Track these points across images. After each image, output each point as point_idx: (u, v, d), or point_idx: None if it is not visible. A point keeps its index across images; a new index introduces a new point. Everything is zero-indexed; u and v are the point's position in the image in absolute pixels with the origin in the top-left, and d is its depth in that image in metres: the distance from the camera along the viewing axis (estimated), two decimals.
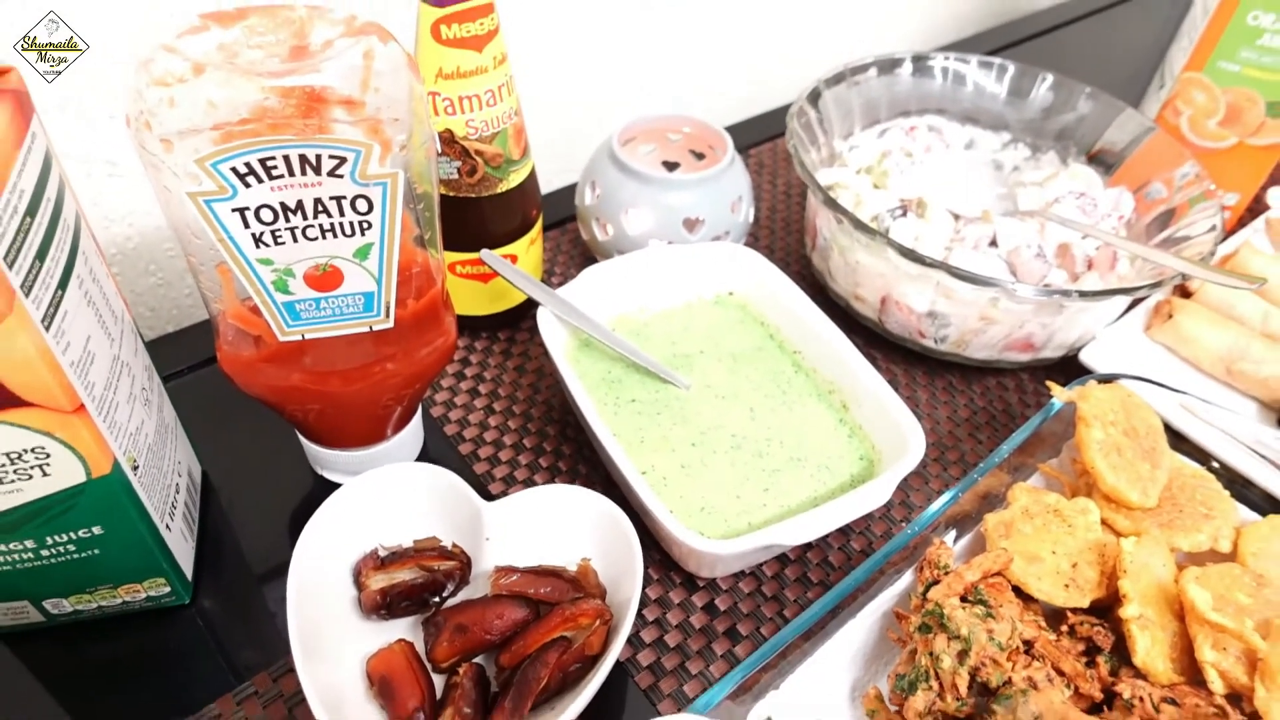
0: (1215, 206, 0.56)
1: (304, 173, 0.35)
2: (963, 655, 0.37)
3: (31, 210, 0.32)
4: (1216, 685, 0.38)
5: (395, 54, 0.36)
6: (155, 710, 0.40)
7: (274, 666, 0.41)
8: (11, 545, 0.37)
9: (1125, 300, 0.56)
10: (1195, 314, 0.57)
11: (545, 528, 0.43)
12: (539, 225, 0.56)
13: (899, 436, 0.46)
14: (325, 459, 0.48)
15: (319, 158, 0.35)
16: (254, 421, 0.50)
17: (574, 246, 0.66)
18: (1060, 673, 0.38)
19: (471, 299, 0.56)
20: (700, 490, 0.46)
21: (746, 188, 0.59)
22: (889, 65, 0.65)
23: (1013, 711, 0.35)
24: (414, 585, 0.41)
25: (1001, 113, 0.67)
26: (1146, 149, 0.62)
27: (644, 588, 0.45)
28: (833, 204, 0.53)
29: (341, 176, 0.36)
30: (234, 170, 0.35)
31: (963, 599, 0.39)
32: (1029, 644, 0.39)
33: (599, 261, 0.57)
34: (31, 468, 0.34)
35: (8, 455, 0.33)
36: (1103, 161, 0.64)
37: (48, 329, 0.31)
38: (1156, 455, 0.47)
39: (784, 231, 0.68)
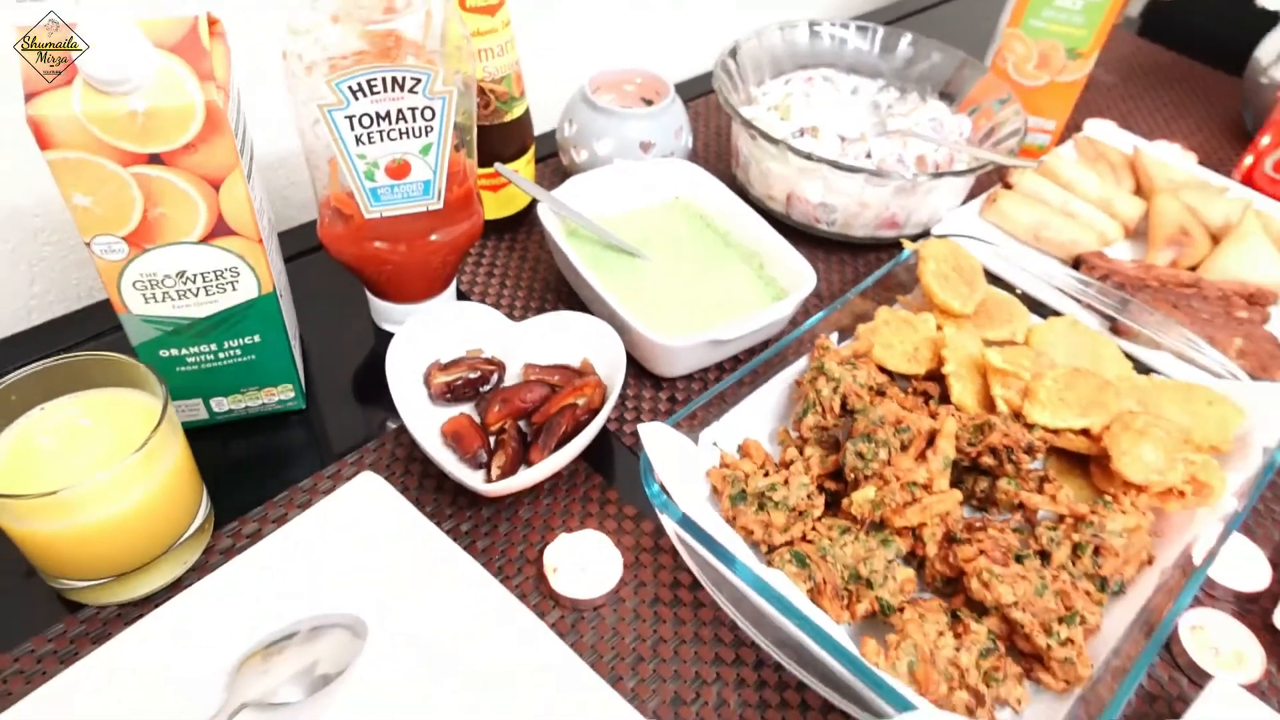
0: (1021, 121, 0.77)
1: (393, 90, 0.54)
2: (835, 389, 0.57)
3: (236, 105, 0.50)
4: (1002, 408, 0.58)
5: (446, 11, 0.55)
6: (306, 466, 0.58)
7: (370, 442, 0.60)
8: (202, 347, 0.55)
9: (961, 186, 0.77)
10: (1012, 199, 0.78)
11: (555, 340, 0.62)
12: (533, 150, 0.75)
13: (797, 276, 0.66)
14: (388, 312, 0.67)
15: (404, 79, 0.54)
16: (332, 298, 0.68)
17: (555, 174, 0.85)
18: (903, 408, 0.58)
19: (487, 205, 0.75)
20: (660, 321, 0.65)
21: (685, 121, 0.79)
22: (789, 27, 0.86)
23: (865, 415, 0.55)
24: (468, 380, 0.60)
25: (876, 64, 0.88)
26: (981, 86, 0.83)
27: (623, 389, 0.65)
28: (748, 124, 0.73)
29: (417, 92, 0.55)
30: (349, 88, 0.53)
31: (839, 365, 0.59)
32: (881, 390, 0.59)
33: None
34: (227, 283, 0.52)
35: (215, 271, 0.51)
36: (950, 97, 0.85)
37: (249, 181, 0.50)
38: (974, 282, 0.67)
39: (715, 159, 0.88)
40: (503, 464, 0.56)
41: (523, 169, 0.74)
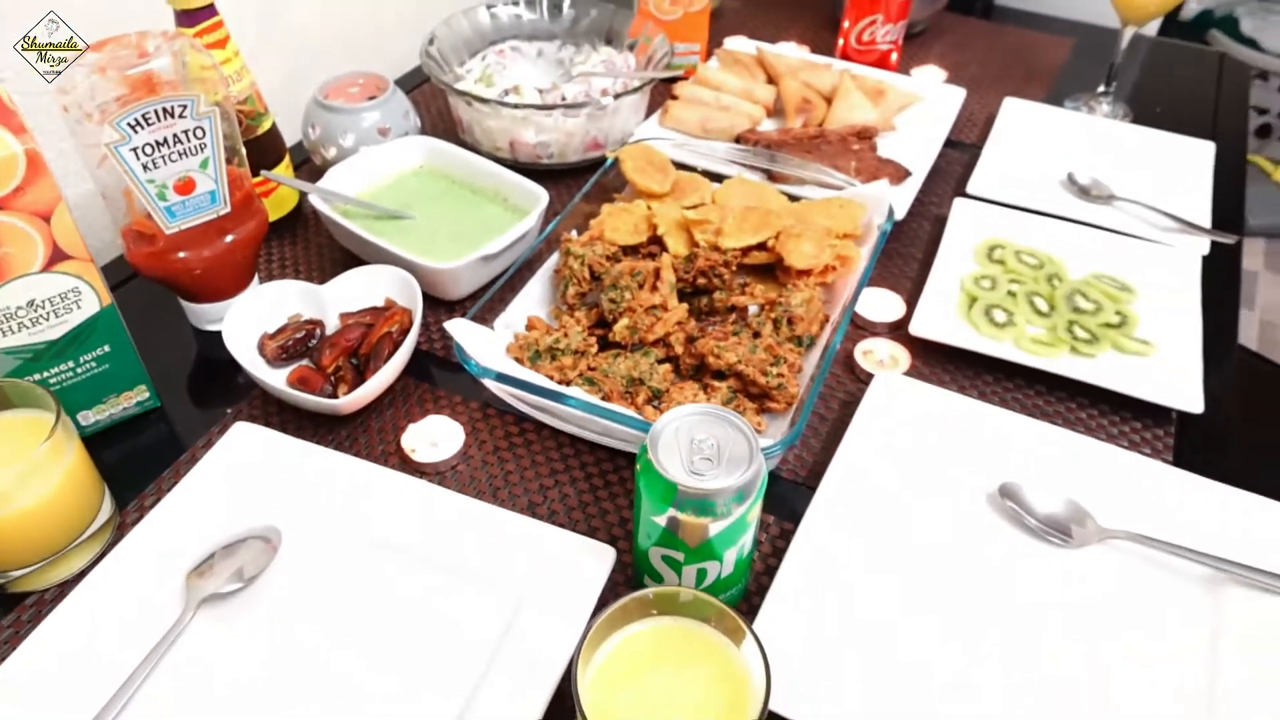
0: (667, 46, 0.99)
1: (165, 119, 0.66)
2: (582, 262, 0.75)
3: None
4: (706, 246, 0.79)
5: (187, 49, 0.67)
6: (178, 447, 0.68)
7: (226, 417, 0.71)
8: (61, 366, 0.64)
9: (639, 103, 0.97)
10: (679, 105, 1.00)
11: (358, 291, 0.76)
12: (288, 158, 0.88)
13: (534, 197, 0.84)
14: (205, 313, 0.78)
15: (173, 107, 0.65)
16: (148, 315, 0.78)
17: (312, 174, 0.97)
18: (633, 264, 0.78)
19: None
20: (434, 254, 0.80)
21: (409, 106, 0.94)
22: (470, 13, 1.03)
23: (608, 273, 0.74)
24: (296, 339, 0.73)
25: (550, 29, 1.07)
26: (634, 26, 1.05)
27: (424, 316, 0.80)
28: (463, 94, 0.90)
29: (186, 117, 0.66)
30: (128, 124, 0.64)
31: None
32: (616, 257, 0.78)
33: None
34: (71, 303, 0.62)
35: (60, 294, 0.61)
36: (613, 40, 1.06)
37: (71, 212, 0.60)
38: (665, 170, 0.88)
39: (444, 133, 1.03)
40: (345, 391, 0.69)
41: (284, 170, 0.87)
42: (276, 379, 0.70)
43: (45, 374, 0.63)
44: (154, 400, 0.71)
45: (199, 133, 0.68)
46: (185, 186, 0.70)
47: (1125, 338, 0.78)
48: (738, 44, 1.16)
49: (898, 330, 0.80)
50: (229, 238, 0.74)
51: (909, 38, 1.25)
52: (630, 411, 0.64)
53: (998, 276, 0.84)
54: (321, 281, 0.78)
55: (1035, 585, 0.60)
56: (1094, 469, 0.66)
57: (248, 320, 0.73)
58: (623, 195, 0.89)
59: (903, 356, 0.77)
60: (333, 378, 0.71)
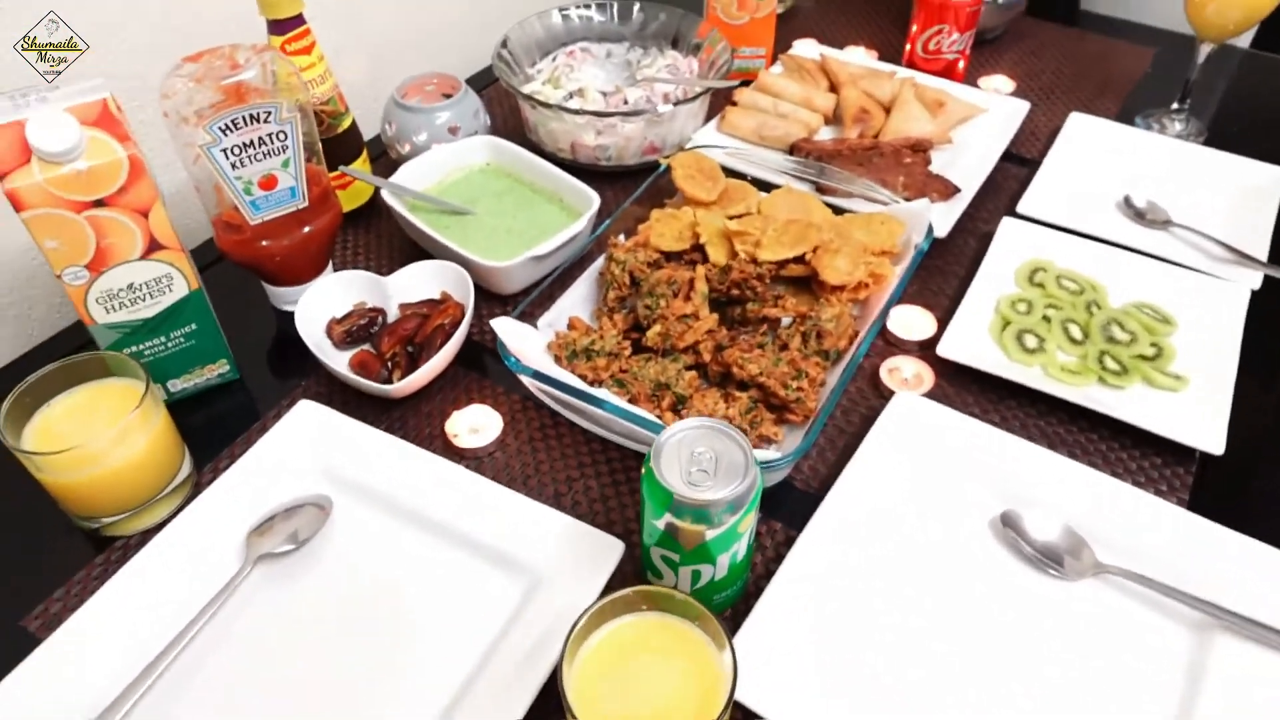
0: (728, 52, 1.02)
1: (251, 123, 0.73)
2: (624, 268, 0.80)
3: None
4: (743, 257, 0.83)
5: (275, 59, 0.74)
6: (251, 416, 0.77)
7: (294, 391, 0.79)
8: (154, 341, 0.72)
9: (698, 109, 1.01)
10: (737, 112, 1.03)
11: (418, 284, 0.83)
12: (365, 153, 0.95)
13: (588, 199, 0.88)
14: (284, 295, 0.86)
15: (259, 114, 0.73)
16: (235, 296, 0.86)
17: (387, 168, 1.04)
18: (672, 272, 0.82)
19: (340, 201, 0.94)
20: (493, 256, 0.86)
21: (480, 105, 1.00)
22: (544, 15, 1.08)
23: (646, 280, 0.78)
24: (360, 325, 0.80)
25: (620, 30, 1.11)
26: (701, 29, 1.08)
27: (476, 309, 0.86)
28: (528, 98, 0.95)
29: (270, 122, 0.74)
30: (219, 128, 0.72)
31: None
32: (658, 264, 0.83)
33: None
34: (164, 287, 0.70)
35: (154, 279, 0.69)
36: (678, 43, 1.09)
37: (165, 209, 0.68)
38: (715, 178, 0.91)
39: (512, 131, 1.09)
40: (399, 376, 0.76)
41: (360, 168, 0.94)
42: (339, 361, 0.78)
43: (140, 346, 0.72)
44: (234, 373, 0.79)
45: (281, 135, 0.75)
46: (268, 183, 0.77)
47: (1158, 371, 0.78)
48: (805, 48, 1.18)
49: (927, 349, 0.82)
50: (306, 229, 0.82)
51: (981, 44, 1.24)
52: (651, 416, 0.69)
53: (1035, 300, 0.85)
54: (389, 271, 0.85)
55: (1022, 613, 0.63)
56: (1102, 503, 0.67)
57: (319, 305, 0.80)
58: (673, 200, 0.93)
59: (928, 376, 0.79)
60: (389, 363, 0.78)
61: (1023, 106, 1.06)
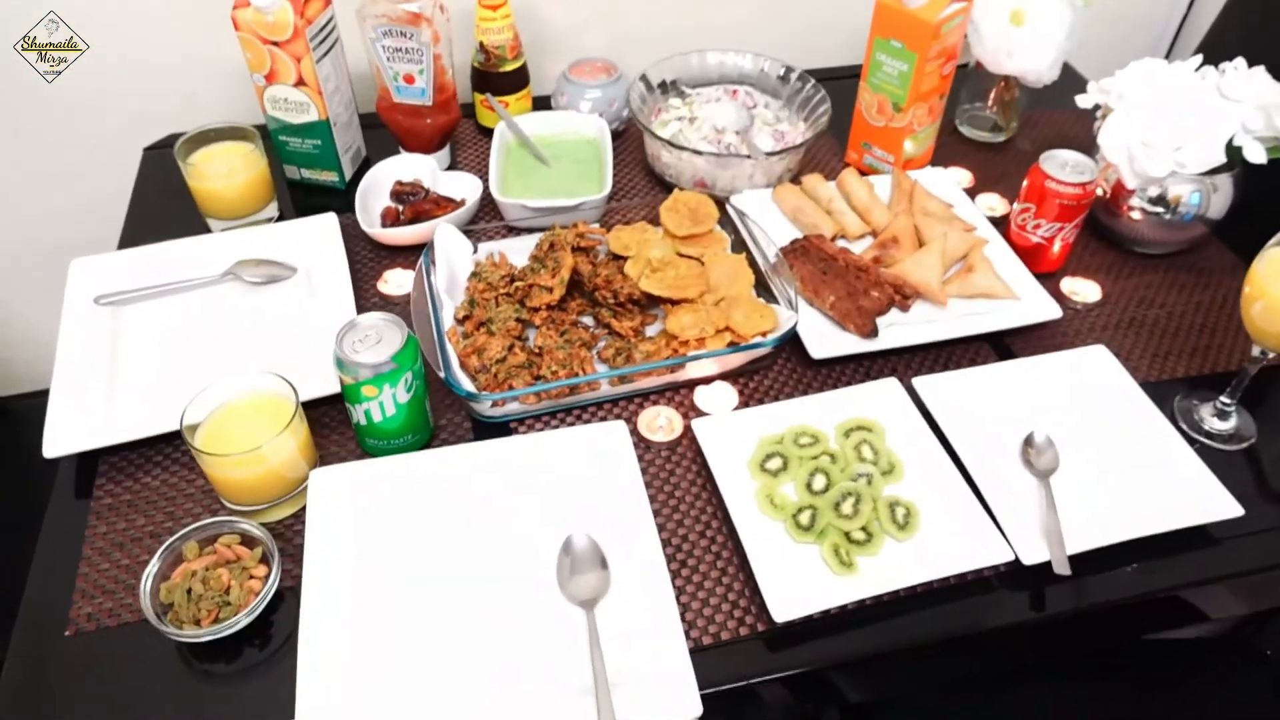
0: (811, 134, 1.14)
1: (399, 37, 1.11)
2: (481, 280, 1.04)
3: (321, 29, 1.10)
4: (630, 275, 1.01)
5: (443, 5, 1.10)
6: None
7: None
8: (294, 139, 1.16)
9: (759, 170, 1.16)
10: (789, 188, 1.15)
11: (458, 184, 1.16)
12: (529, 89, 1.28)
13: (602, 187, 1.12)
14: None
15: (406, 31, 1.10)
16: (385, 145, 1.28)
17: None
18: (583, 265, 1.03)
19: (483, 118, 1.29)
20: (525, 195, 1.14)
21: (622, 96, 1.26)
22: (702, 52, 1.28)
23: (547, 261, 1.02)
24: (406, 189, 1.16)
25: (776, 88, 1.27)
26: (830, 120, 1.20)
27: (486, 221, 1.16)
28: (657, 137, 1.19)
29: (412, 39, 1.11)
30: (382, 31, 1.10)
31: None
32: (512, 279, 1.05)
33: None
34: (305, 107, 1.13)
35: (299, 102, 1.12)
36: (808, 119, 1.22)
37: (317, 64, 1.09)
38: (699, 220, 1.07)
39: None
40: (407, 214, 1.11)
41: (516, 104, 1.28)
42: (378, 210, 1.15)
43: (288, 139, 1.17)
44: (341, 184, 1.21)
45: (419, 52, 1.12)
46: (409, 79, 1.15)
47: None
48: (929, 175, 1.20)
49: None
50: (428, 120, 1.19)
51: (1140, 255, 1.14)
52: (601, 369, 0.92)
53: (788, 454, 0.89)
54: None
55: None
56: None
57: (390, 173, 1.18)
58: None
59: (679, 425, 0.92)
60: (399, 219, 1.13)
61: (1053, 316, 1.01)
